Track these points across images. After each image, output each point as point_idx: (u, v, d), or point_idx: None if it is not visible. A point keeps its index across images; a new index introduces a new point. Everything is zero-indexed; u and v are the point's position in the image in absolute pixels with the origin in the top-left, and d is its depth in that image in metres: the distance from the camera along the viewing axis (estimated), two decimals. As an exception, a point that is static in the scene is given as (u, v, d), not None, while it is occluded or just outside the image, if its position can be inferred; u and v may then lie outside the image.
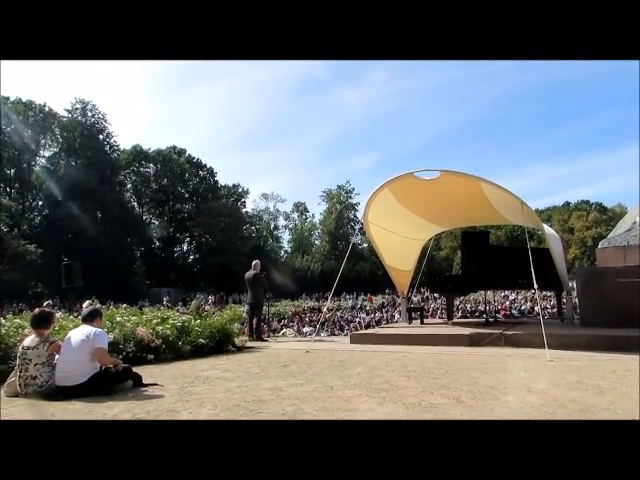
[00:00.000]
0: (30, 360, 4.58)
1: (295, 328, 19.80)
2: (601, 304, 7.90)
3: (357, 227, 43.52)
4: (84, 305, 11.58)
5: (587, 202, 62.10)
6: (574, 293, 10.73)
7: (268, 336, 11.23)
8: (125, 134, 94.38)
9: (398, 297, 18.21)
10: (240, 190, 57.32)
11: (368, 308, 28.74)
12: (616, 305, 7.64)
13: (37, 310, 5.05)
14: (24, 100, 40.56)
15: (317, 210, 63.56)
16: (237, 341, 8.37)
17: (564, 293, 10.48)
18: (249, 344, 8.94)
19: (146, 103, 78.28)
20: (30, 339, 4.72)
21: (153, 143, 61.54)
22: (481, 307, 20.91)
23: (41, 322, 4.77)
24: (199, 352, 7.32)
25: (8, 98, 38.72)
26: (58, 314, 9.42)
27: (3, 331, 5.91)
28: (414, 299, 19.91)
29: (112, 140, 46.64)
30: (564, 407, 3.64)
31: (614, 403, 3.73)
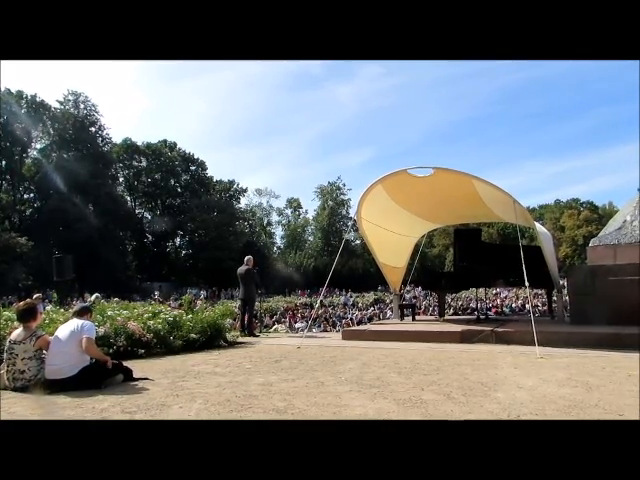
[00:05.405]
0: (17, 355, 4.55)
1: (287, 324, 19.77)
2: (591, 302, 7.96)
3: (350, 223, 43.59)
4: (91, 299, 11.56)
5: (577, 200, 62.61)
6: (565, 291, 10.81)
7: (260, 332, 11.22)
8: (116, 127, 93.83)
9: (390, 294, 18.26)
10: (235, 186, 57.18)
11: (360, 304, 28.77)
12: (606, 303, 7.70)
13: (21, 304, 5.00)
14: (14, 91, 40.15)
15: (311, 206, 63.63)
16: (229, 336, 8.36)
17: (555, 291, 10.55)
18: (241, 339, 8.93)
19: (137, 96, 77.90)
20: (17, 333, 4.67)
21: (144, 136, 61.20)
22: (473, 304, 21.01)
23: (26, 315, 4.72)
24: (190, 347, 7.30)
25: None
26: (48, 307, 9.40)
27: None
28: (406, 296, 19.97)
29: (104, 133, 46.34)
30: (553, 403, 3.66)
31: (602, 400, 3.77)
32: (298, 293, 38.44)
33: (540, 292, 19.75)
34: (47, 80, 67.85)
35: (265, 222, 62.29)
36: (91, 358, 4.74)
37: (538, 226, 9.98)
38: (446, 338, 7.85)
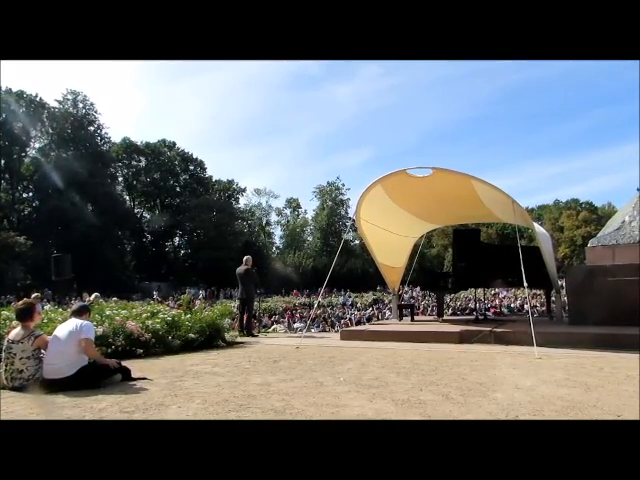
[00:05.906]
0: (15, 354, 4.55)
1: (286, 324, 19.79)
2: (590, 302, 7.96)
3: (349, 224, 43.61)
4: (91, 298, 11.53)
5: (576, 201, 62.59)
6: (563, 291, 10.83)
7: (258, 332, 11.22)
8: (115, 126, 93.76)
9: (389, 294, 18.26)
10: (234, 186, 57.18)
11: (359, 305, 28.79)
12: (604, 303, 7.71)
13: (19, 303, 5.01)
14: (15, 90, 40.05)
15: (310, 206, 63.60)
16: (227, 336, 8.35)
17: (553, 291, 10.56)
18: (239, 339, 8.93)
19: (136, 96, 77.82)
20: (15, 332, 4.68)
21: (143, 136, 61.23)
22: (471, 305, 21.03)
23: (25, 314, 4.72)
24: (189, 347, 7.28)
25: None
26: (47, 306, 9.38)
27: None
28: (405, 296, 19.98)
29: (103, 132, 46.27)
30: (552, 404, 3.67)
31: (601, 400, 3.77)
32: (293, 293, 38.30)
33: (539, 292, 19.78)
34: (47, 80, 67.76)
35: (264, 222, 62.26)
36: (89, 357, 4.74)
37: (537, 226, 9.99)
38: (445, 338, 7.85)
